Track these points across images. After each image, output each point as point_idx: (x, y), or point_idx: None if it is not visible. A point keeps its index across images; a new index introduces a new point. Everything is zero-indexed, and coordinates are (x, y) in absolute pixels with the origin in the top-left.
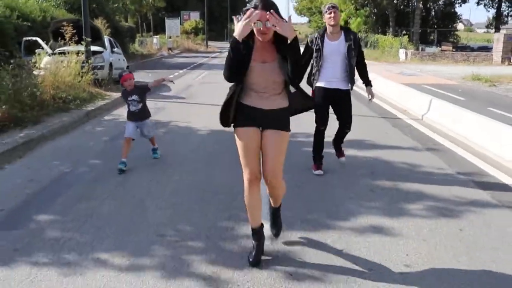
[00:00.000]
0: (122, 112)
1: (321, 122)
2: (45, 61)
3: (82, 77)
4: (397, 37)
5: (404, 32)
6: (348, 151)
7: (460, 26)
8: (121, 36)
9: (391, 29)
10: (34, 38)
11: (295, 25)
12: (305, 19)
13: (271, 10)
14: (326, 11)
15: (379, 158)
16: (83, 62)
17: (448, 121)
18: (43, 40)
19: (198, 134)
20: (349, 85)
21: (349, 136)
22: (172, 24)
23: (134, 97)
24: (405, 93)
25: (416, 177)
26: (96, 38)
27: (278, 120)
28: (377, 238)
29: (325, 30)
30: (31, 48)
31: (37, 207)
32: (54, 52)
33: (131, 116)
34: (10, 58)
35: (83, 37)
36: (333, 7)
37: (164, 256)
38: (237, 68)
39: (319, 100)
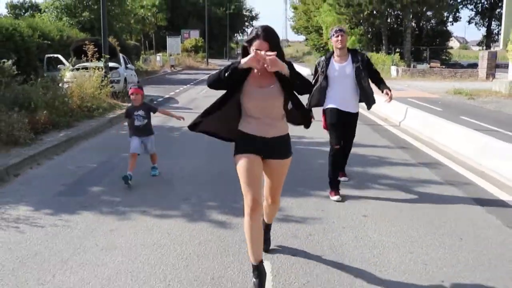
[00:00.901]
0: None
1: (336, 140)
2: (68, 76)
3: (101, 89)
4: (390, 54)
5: (397, 50)
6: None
7: (456, 44)
8: (128, 53)
9: (384, 47)
10: (55, 55)
11: (292, 43)
12: (302, 38)
13: (264, 52)
14: (333, 34)
15: (356, 153)
16: (102, 77)
17: (420, 126)
18: (63, 57)
19: (207, 135)
20: (358, 108)
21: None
22: (173, 42)
23: (140, 112)
24: (386, 104)
25: (383, 165)
26: (113, 55)
27: (280, 149)
28: (349, 203)
29: (333, 53)
30: (52, 64)
31: (89, 183)
32: (75, 67)
33: (136, 131)
34: (35, 73)
35: (103, 54)
36: (340, 30)
37: (188, 210)
38: (223, 87)
39: (333, 120)
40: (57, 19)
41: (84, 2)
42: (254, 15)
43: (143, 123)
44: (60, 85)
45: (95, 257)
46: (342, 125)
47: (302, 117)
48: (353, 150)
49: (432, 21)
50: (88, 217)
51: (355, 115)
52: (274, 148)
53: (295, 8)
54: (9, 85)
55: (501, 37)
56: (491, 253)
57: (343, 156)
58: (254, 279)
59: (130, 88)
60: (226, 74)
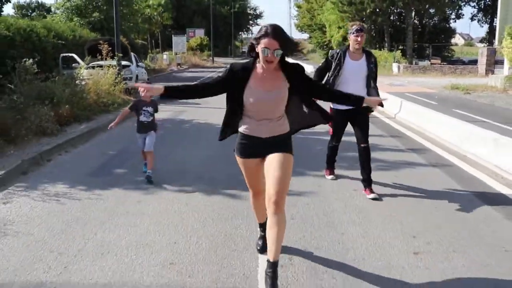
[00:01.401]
0: None
1: (336, 139)
2: (84, 73)
3: (115, 86)
4: (392, 51)
5: (400, 47)
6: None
7: (461, 41)
8: (136, 52)
9: (386, 44)
10: (70, 54)
11: (296, 42)
12: (306, 35)
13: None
14: (353, 33)
15: (351, 141)
16: (116, 74)
17: (412, 117)
18: (76, 56)
19: (216, 126)
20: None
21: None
22: (178, 41)
23: (149, 109)
24: (382, 97)
25: (375, 150)
26: (125, 54)
27: (279, 145)
28: (342, 180)
29: (347, 48)
30: (67, 62)
31: (114, 166)
32: (89, 66)
33: (141, 127)
34: (50, 71)
35: (116, 53)
36: (361, 30)
37: (202, 186)
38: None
39: (336, 119)
40: (68, 20)
41: (94, 2)
42: (258, 14)
43: (149, 120)
44: (77, 82)
45: (127, 220)
46: (351, 121)
47: (321, 114)
48: (348, 138)
49: (435, 19)
50: (117, 192)
51: (363, 110)
52: (274, 145)
53: (299, 6)
54: (31, 83)
55: (496, 34)
56: (458, 216)
57: (364, 158)
58: (261, 232)
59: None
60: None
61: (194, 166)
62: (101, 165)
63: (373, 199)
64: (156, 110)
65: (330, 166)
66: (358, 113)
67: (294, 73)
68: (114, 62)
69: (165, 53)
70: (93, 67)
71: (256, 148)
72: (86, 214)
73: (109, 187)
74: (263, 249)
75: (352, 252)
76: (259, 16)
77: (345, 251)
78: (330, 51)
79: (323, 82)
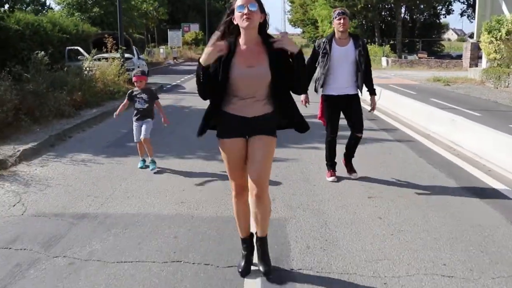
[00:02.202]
0: None
1: (332, 130)
2: (90, 65)
3: (119, 76)
4: (382, 46)
5: (391, 41)
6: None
7: (454, 36)
8: (135, 46)
9: (376, 39)
10: (75, 47)
11: (291, 36)
12: (298, 30)
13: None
14: (336, 17)
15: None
16: (120, 65)
17: (389, 104)
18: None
19: None
20: (357, 90)
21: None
22: (174, 36)
23: (144, 96)
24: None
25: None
26: (127, 47)
27: (263, 126)
28: (319, 152)
29: (333, 35)
30: (72, 55)
31: (126, 140)
32: (95, 58)
33: (137, 113)
34: (57, 63)
35: (119, 46)
36: (343, 13)
37: (203, 154)
38: (210, 88)
39: (329, 109)
40: (69, 15)
41: None
42: None
43: (144, 106)
44: (86, 72)
45: (145, 176)
46: (343, 109)
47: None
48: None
49: (425, 14)
50: (133, 159)
51: (355, 96)
52: (257, 126)
53: (292, 1)
54: (44, 72)
55: (475, 29)
56: (409, 172)
57: (352, 145)
58: (243, 252)
59: (134, 76)
60: (202, 80)
61: (194, 139)
62: (115, 140)
63: (354, 178)
64: (153, 97)
65: (331, 166)
66: (351, 99)
67: (274, 49)
68: (117, 55)
69: (162, 47)
70: (99, 59)
71: (240, 128)
72: (111, 173)
73: (126, 155)
74: (246, 272)
75: (320, 196)
76: None
77: (315, 196)
78: (317, 41)
79: (316, 76)
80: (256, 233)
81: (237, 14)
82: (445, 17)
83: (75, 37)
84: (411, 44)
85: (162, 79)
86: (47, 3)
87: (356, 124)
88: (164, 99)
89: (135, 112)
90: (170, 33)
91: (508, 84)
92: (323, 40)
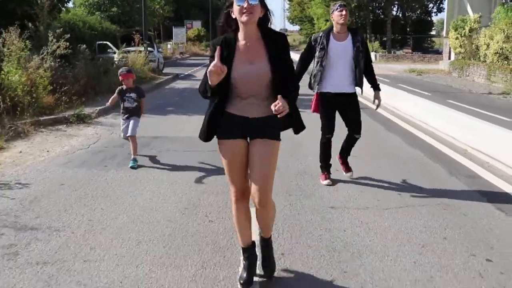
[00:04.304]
0: (174, 85)
1: (328, 130)
2: (118, 57)
3: (144, 66)
4: (371, 42)
5: (383, 38)
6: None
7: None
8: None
9: (368, 35)
10: (104, 42)
11: (290, 33)
12: (296, 27)
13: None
14: (336, 9)
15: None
16: (146, 57)
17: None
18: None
19: None
20: (355, 87)
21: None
22: (178, 32)
23: (132, 95)
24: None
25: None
26: (150, 42)
27: (265, 128)
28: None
29: (331, 29)
30: (101, 49)
31: (166, 105)
32: (125, 51)
33: (126, 112)
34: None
35: (144, 41)
36: (344, 5)
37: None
38: (217, 93)
39: (324, 107)
40: (90, 14)
41: None
42: None
43: (132, 105)
44: (117, 62)
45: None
46: (339, 108)
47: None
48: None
49: (417, 12)
50: (176, 115)
51: (353, 95)
52: (261, 127)
53: (290, 0)
54: (88, 61)
55: (444, 27)
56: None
57: (349, 144)
58: (243, 261)
59: (120, 75)
60: (209, 94)
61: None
62: (158, 105)
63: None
64: (140, 96)
65: (325, 168)
66: (348, 98)
67: (273, 43)
68: (141, 48)
69: (169, 42)
70: (128, 52)
71: (242, 128)
72: (157, 122)
73: (170, 113)
74: (248, 283)
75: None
76: None
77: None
78: (313, 35)
79: (311, 71)
80: (259, 233)
81: (236, 7)
82: (437, 15)
83: (101, 34)
84: (403, 41)
85: (175, 70)
86: (72, 5)
87: (354, 124)
88: (182, 84)
89: (124, 111)
90: (174, 30)
91: (469, 73)
92: (320, 35)
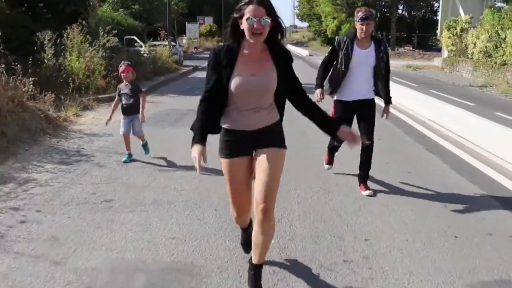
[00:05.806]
0: (196, 75)
1: (338, 140)
2: (146, 50)
3: (169, 58)
4: None
5: (389, 36)
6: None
7: None
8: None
9: (373, 33)
10: (131, 37)
11: (300, 30)
12: (305, 24)
13: None
14: (358, 21)
15: None
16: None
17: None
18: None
19: None
20: (373, 94)
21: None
22: (191, 28)
23: (128, 91)
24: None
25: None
26: (173, 36)
27: (270, 137)
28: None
29: (355, 35)
30: (129, 43)
31: (193, 89)
32: (152, 44)
33: (124, 109)
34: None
35: (168, 36)
36: (367, 18)
37: None
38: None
39: (340, 115)
40: (114, 11)
41: None
42: None
43: (129, 102)
44: (145, 55)
45: None
46: (358, 113)
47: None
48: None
49: (423, 11)
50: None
51: (371, 101)
52: (263, 139)
53: None
54: (120, 52)
55: (439, 27)
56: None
57: (367, 157)
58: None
59: (120, 66)
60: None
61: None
62: (188, 89)
63: (368, 195)
64: (137, 91)
65: (330, 153)
66: (367, 104)
67: (281, 59)
68: (165, 42)
69: (184, 38)
70: (154, 45)
71: (243, 144)
72: (182, 103)
73: (198, 95)
74: (246, 245)
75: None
76: None
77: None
78: (337, 38)
79: (328, 76)
80: (250, 259)
81: (245, 23)
82: None
83: (127, 29)
84: (408, 39)
85: (192, 63)
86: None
87: (366, 128)
88: (201, 74)
89: (122, 108)
90: (188, 26)
91: (458, 69)
92: (344, 39)
